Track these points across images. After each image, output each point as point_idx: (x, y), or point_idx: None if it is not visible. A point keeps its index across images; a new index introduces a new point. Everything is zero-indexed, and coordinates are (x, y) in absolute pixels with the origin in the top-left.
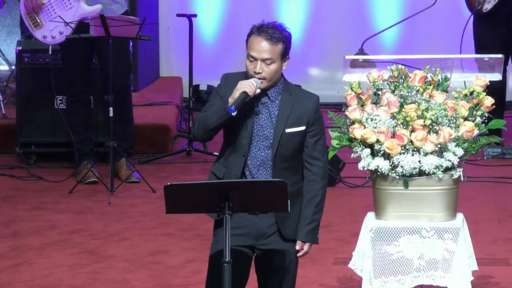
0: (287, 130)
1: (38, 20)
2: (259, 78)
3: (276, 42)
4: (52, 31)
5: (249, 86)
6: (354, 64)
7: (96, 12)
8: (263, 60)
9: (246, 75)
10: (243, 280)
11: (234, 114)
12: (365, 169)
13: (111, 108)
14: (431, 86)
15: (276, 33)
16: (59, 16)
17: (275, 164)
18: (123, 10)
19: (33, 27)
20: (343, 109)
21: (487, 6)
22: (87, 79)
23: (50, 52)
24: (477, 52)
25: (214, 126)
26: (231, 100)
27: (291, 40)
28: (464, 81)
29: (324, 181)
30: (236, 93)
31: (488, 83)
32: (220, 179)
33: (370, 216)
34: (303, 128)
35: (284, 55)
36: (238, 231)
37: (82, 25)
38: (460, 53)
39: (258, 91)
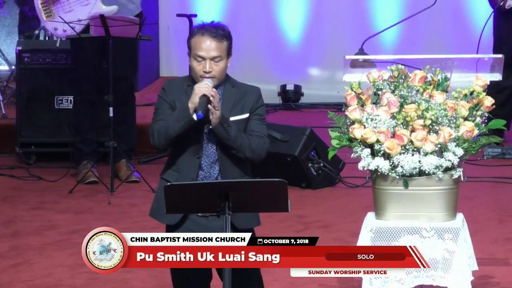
0: (232, 119)
1: (52, 11)
2: (209, 78)
3: (222, 39)
4: (64, 24)
5: (207, 88)
6: (354, 64)
7: (112, 13)
8: (212, 59)
9: (191, 78)
10: (207, 281)
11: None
12: (365, 169)
13: (111, 108)
14: (431, 86)
15: (219, 31)
16: (59, 16)
17: (223, 156)
18: (138, 11)
19: (44, 17)
20: (343, 109)
21: (510, 3)
22: (95, 79)
23: (58, 45)
24: (495, 47)
25: (177, 134)
26: (191, 105)
27: (232, 38)
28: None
29: (266, 145)
30: (196, 98)
31: (488, 83)
32: None
33: (370, 216)
34: (247, 115)
35: (229, 52)
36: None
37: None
38: (477, 52)
39: (214, 90)
